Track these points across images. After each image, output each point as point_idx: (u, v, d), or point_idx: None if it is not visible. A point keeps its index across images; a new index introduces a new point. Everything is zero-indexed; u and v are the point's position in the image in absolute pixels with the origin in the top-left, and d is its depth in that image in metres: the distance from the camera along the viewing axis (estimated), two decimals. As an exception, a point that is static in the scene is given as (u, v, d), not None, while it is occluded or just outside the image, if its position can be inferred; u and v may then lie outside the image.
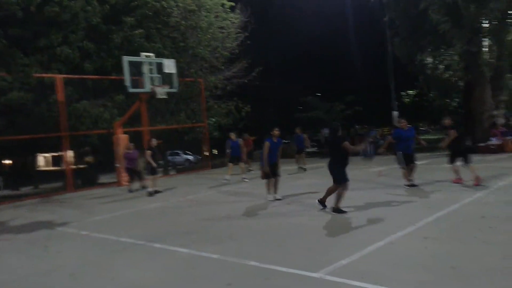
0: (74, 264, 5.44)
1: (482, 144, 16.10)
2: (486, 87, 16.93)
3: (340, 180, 7.11)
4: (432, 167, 10.59)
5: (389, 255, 4.75)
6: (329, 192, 7.33)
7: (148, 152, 11.67)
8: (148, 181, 11.96)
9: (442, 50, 19.18)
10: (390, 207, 7.39)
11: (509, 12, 16.36)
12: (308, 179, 12.57)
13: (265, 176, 8.76)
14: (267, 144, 8.51)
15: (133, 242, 6.33)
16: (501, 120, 16.76)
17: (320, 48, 43.46)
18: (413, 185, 9.15)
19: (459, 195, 7.72)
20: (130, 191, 12.55)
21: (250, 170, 15.04)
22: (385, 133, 27.35)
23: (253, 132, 20.04)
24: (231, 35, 20.03)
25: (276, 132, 8.65)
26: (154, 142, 12.05)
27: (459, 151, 9.02)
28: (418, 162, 9.66)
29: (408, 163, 9.19)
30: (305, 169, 14.58)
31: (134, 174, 12.94)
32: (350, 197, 8.17)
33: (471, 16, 15.03)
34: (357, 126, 37.82)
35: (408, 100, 28.02)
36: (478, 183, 8.56)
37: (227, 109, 21.14)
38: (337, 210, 7.12)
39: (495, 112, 17.04)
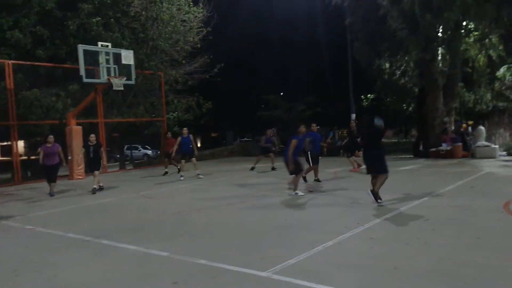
0: (15, 260, 5.19)
1: (433, 149, 16.75)
2: (439, 94, 17.57)
3: (386, 168, 7.33)
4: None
5: (336, 255, 4.84)
6: (381, 183, 7.38)
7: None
8: (92, 177, 11.38)
9: (399, 57, 19.75)
10: (340, 207, 7.54)
11: (463, 23, 17.12)
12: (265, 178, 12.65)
13: (296, 170, 8.71)
14: (294, 141, 8.62)
15: (79, 238, 6.13)
16: (451, 127, 17.49)
17: (283, 48, 43.90)
18: (317, 181, 10.41)
19: (407, 198, 7.99)
20: (52, 194, 10.76)
21: (166, 173, 14.45)
22: (343, 134, 27.91)
23: (213, 129, 19.88)
24: (193, 29, 19.76)
25: (302, 129, 9.05)
26: (92, 138, 11.15)
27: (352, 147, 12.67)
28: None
29: (315, 162, 10.23)
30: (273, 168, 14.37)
31: (52, 172, 10.90)
32: (302, 197, 8.29)
33: (426, 24, 15.54)
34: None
35: (366, 103, 28.74)
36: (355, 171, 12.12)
37: (188, 105, 20.89)
38: (376, 195, 7.36)
39: (446, 119, 17.75)
